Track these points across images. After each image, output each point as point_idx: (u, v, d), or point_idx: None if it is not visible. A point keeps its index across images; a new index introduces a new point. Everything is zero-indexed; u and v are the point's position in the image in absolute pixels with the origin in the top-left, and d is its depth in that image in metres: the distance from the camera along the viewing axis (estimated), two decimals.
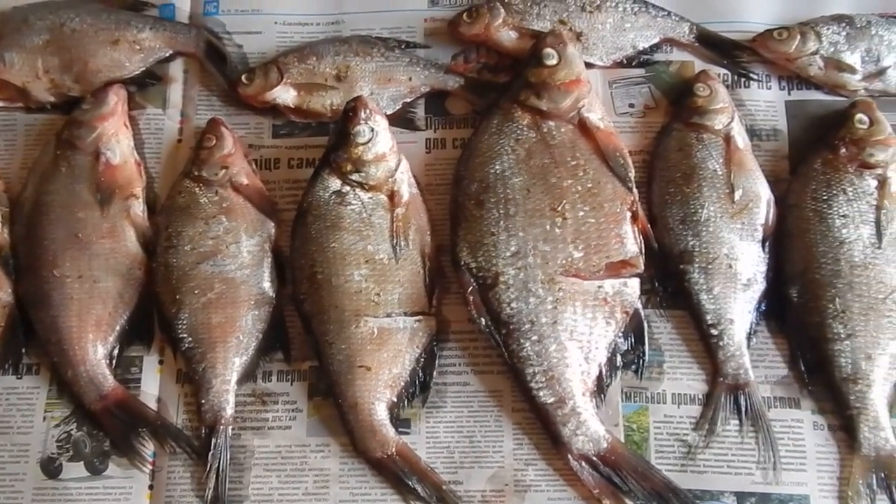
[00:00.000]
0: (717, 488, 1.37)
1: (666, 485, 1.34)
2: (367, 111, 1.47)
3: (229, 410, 1.42)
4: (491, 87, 1.63)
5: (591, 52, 1.63)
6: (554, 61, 1.51)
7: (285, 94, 1.59)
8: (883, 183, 1.46)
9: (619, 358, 1.41)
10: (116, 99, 1.57)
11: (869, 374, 1.38)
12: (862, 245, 1.42)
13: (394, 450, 1.38)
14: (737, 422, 1.40)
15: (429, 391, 1.42)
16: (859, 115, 1.51)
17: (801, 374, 1.42)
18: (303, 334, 1.45)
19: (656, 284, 1.47)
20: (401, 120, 1.61)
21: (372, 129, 1.46)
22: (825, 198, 1.46)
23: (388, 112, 1.59)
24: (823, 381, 1.41)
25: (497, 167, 1.46)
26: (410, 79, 1.62)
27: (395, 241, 1.44)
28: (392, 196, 1.46)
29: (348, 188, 1.46)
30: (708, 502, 1.36)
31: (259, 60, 1.65)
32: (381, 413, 1.39)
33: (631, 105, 1.63)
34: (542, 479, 1.39)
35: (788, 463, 1.37)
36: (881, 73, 1.60)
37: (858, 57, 1.61)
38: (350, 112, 1.47)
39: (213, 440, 1.40)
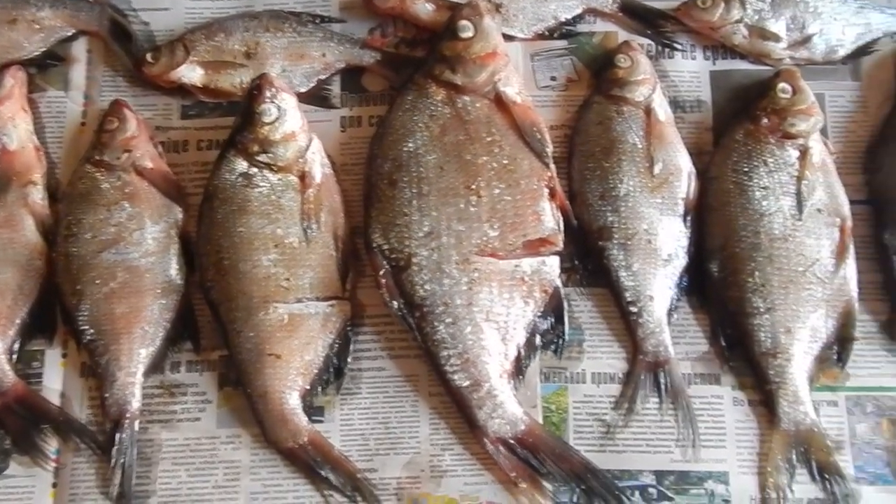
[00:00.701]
0: (636, 467, 1.35)
1: (584, 465, 1.31)
2: (273, 89, 1.41)
3: (135, 404, 1.37)
4: (408, 61, 1.57)
5: (511, 23, 1.58)
6: (469, 34, 1.46)
7: (192, 73, 1.53)
8: (804, 153, 1.43)
9: (538, 338, 1.38)
10: (13, 81, 1.50)
11: (788, 348, 1.35)
12: (782, 217, 1.40)
13: (306, 439, 1.34)
14: (657, 400, 1.37)
15: (343, 378, 1.39)
16: (782, 85, 1.48)
17: (722, 349, 1.40)
18: (212, 323, 1.40)
19: (576, 262, 1.44)
20: (315, 98, 1.56)
21: (279, 108, 1.41)
22: (746, 170, 1.43)
23: (302, 90, 1.55)
24: (744, 357, 1.38)
25: (410, 145, 1.41)
26: (324, 55, 1.56)
27: (305, 224, 1.39)
28: (303, 177, 1.41)
29: (256, 170, 1.41)
30: (627, 482, 1.34)
31: (167, 38, 1.58)
32: (292, 402, 1.35)
33: (553, 78, 1.58)
34: (458, 463, 1.36)
35: (708, 440, 1.36)
36: (806, 41, 1.57)
37: (783, 25, 1.57)
38: (255, 90, 1.41)
39: (118, 435, 1.35)
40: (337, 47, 1.57)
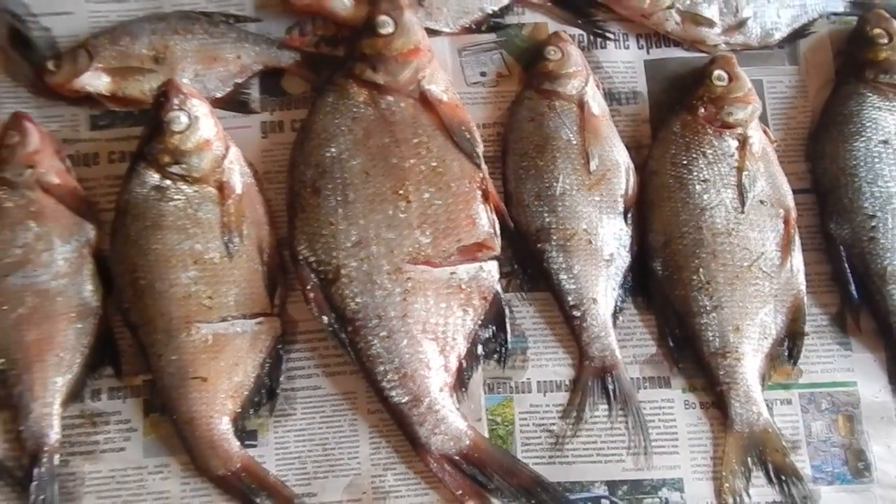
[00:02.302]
0: (587, 479, 1.30)
1: (534, 479, 1.26)
2: (181, 95, 1.32)
3: (53, 436, 1.29)
4: (330, 61, 1.49)
5: (436, 17, 1.51)
6: (389, 29, 1.39)
7: (97, 81, 1.43)
8: (743, 143, 1.39)
9: (479, 348, 1.32)
10: None
11: (738, 347, 1.31)
12: (724, 210, 1.35)
13: (238, 465, 1.27)
14: (605, 407, 1.32)
15: (276, 398, 1.32)
16: (717, 72, 1.43)
17: (670, 351, 1.35)
18: (134, 346, 1.32)
19: (515, 266, 1.38)
20: (232, 103, 1.47)
21: (189, 115, 1.32)
22: (685, 162, 1.38)
23: (218, 95, 1.47)
24: (693, 358, 1.34)
25: (333, 150, 1.34)
26: (239, 57, 1.47)
27: (226, 238, 1.31)
28: (221, 188, 1.33)
29: (169, 182, 1.32)
30: (578, 494, 1.29)
31: (71, 44, 1.48)
32: (222, 427, 1.28)
33: (483, 73, 1.52)
34: (401, 483, 1.30)
35: (660, 446, 1.31)
36: (741, 25, 1.52)
37: (716, 9, 1.52)
38: (161, 98, 1.33)
39: (37, 469, 1.27)
40: (252, 48, 1.48)
